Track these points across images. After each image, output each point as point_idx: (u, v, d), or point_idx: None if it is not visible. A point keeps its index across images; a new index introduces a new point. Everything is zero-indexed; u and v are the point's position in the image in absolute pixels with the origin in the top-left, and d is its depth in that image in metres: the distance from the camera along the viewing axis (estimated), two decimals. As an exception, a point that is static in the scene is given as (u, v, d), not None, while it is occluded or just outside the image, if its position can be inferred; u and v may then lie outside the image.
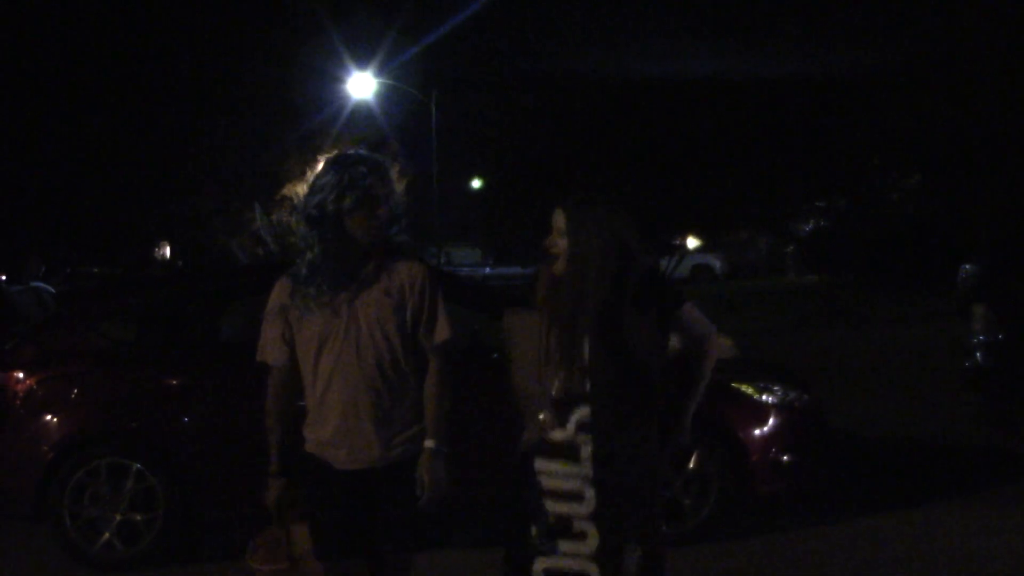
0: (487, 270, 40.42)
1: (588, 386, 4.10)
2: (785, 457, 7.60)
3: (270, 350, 4.42)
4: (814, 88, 25.01)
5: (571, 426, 4.12)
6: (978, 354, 10.21)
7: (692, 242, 38.27)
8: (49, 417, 7.37)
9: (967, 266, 10.74)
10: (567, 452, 4.12)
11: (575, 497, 4.12)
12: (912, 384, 13.85)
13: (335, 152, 4.51)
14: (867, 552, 7.11)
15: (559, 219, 4.26)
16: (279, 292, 4.39)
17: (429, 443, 4.29)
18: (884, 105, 24.60)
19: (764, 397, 7.74)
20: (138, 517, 7.26)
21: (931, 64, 22.76)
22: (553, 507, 4.16)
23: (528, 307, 4.29)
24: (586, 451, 4.09)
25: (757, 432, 7.59)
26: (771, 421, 7.65)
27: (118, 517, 7.25)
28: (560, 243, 4.23)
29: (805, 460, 7.70)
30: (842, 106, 25.31)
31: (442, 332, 4.37)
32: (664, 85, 24.92)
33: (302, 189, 4.70)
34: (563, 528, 4.15)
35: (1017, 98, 21.01)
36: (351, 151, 4.49)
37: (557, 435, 4.15)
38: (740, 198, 26.90)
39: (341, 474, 4.33)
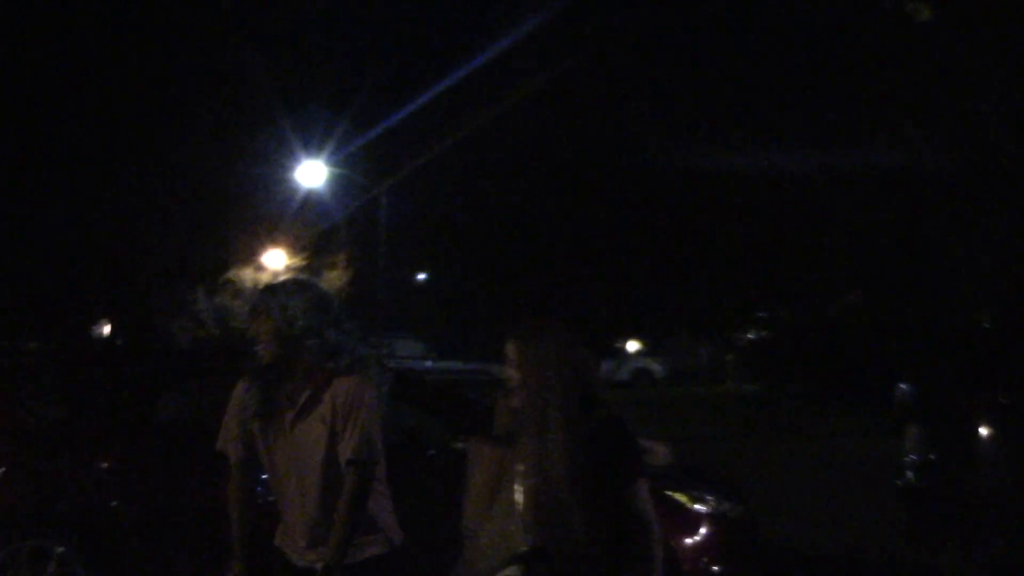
0: (429, 363, 40.23)
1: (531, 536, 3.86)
2: (716, 567, 7.62)
3: (230, 445, 4.58)
4: (761, 198, 25.38)
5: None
6: (909, 473, 10.28)
7: (633, 345, 38.47)
8: (-28, 495, 7.22)
9: (903, 385, 10.83)
10: None
11: None
12: (845, 499, 13.90)
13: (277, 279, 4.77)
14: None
15: (510, 350, 4.05)
16: (240, 390, 4.55)
17: (320, 565, 4.32)
18: (828, 219, 25.01)
19: (697, 506, 7.77)
20: (59, 603, 7.11)
21: (875, 183, 23.18)
22: None
23: (488, 437, 4.11)
24: None
25: (689, 541, 7.59)
26: (703, 530, 7.66)
27: (38, 602, 7.11)
28: (514, 376, 4.02)
29: (736, 571, 7.72)
30: (787, 218, 25.68)
31: (356, 450, 4.37)
32: (611, 184, 25.18)
33: (248, 274, 4.87)
34: None
35: (957, 222, 21.42)
36: (283, 279, 4.73)
37: None
38: (683, 303, 27.14)
39: (296, 570, 4.47)
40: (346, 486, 4.35)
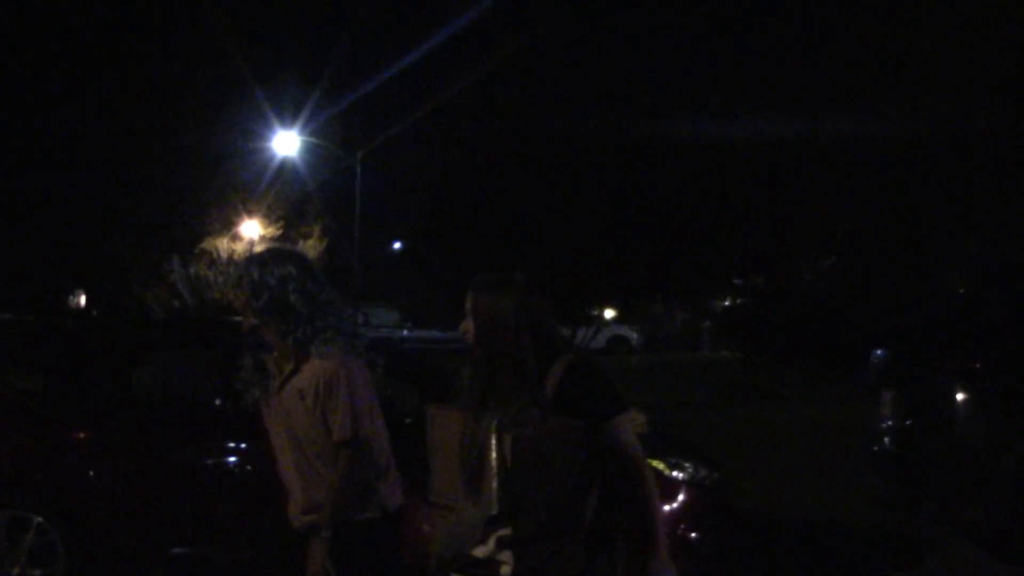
0: (405, 332, 40.23)
1: (505, 498, 3.65)
2: (693, 534, 7.63)
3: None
4: (738, 165, 25.38)
5: (492, 542, 3.66)
6: (885, 439, 10.33)
7: (609, 313, 38.50)
8: (-51, 467, 7.21)
9: (878, 352, 10.85)
10: (486, 570, 3.66)
11: None
12: (820, 465, 13.96)
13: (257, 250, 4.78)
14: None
15: (468, 301, 3.86)
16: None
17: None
18: (802, 185, 25.04)
19: (675, 473, 7.77)
20: (37, 572, 7.11)
21: (849, 148, 23.20)
22: None
23: (450, 403, 3.84)
24: (506, 570, 3.63)
25: (666, 508, 7.54)
26: (681, 498, 7.66)
27: (15, 572, 7.10)
28: (470, 328, 3.83)
29: (712, 539, 7.73)
30: (761, 185, 25.69)
31: (342, 431, 4.41)
32: (587, 148, 25.12)
33: (222, 243, 4.84)
34: None
35: (931, 188, 21.47)
36: (262, 250, 4.71)
37: (478, 551, 3.69)
38: (659, 271, 27.08)
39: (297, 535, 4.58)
40: (338, 464, 4.42)
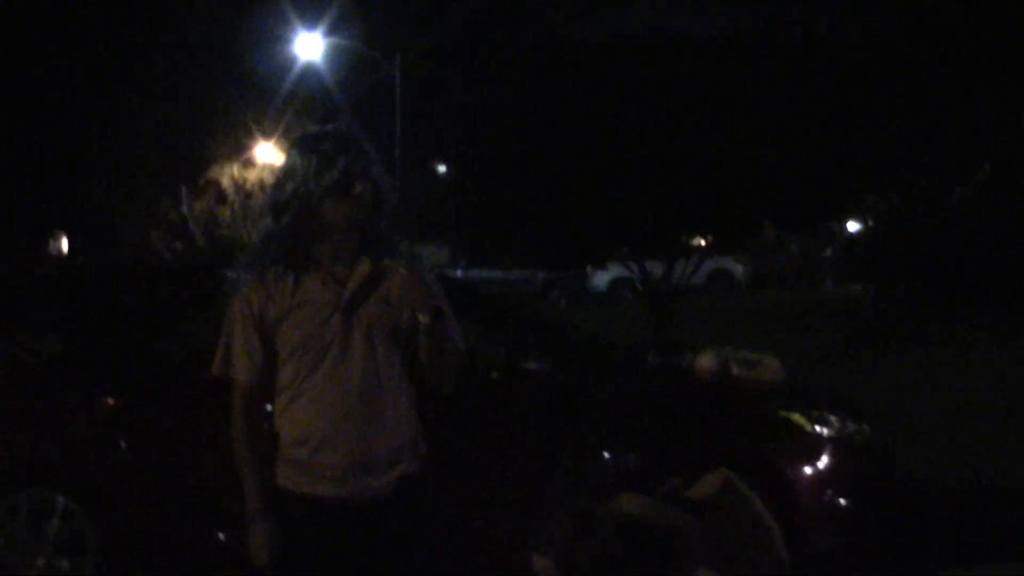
0: (460, 272, 40.44)
1: None
2: (842, 500, 7.71)
3: (237, 362, 4.54)
4: (862, 56, 25.12)
5: None
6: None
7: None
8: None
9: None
10: None
11: None
12: (991, 421, 13.92)
13: (300, 133, 4.68)
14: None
15: None
16: (250, 291, 4.50)
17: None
18: (949, 80, 24.76)
19: (819, 428, 7.84)
20: (65, 563, 7.36)
21: (1004, 33, 22.95)
22: None
23: None
24: None
25: (808, 470, 7.68)
26: (826, 458, 7.73)
27: (40, 563, 7.35)
28: None
29: (868, 508, 7.81)
30: (898, 80, 25.45)
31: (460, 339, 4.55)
32: (668, 50, 24.95)
33: (233, 171, 4.86)
34: None
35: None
36: (316, 129, 4.64)
37: None
38: (768, 190, 26.93)
39: (329, 508, 4.44)
40: None
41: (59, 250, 27.83)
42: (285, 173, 4.49)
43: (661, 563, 4.13)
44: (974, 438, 12.95)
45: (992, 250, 25.68)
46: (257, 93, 32.95)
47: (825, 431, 7.85)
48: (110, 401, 7.67)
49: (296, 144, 4.54)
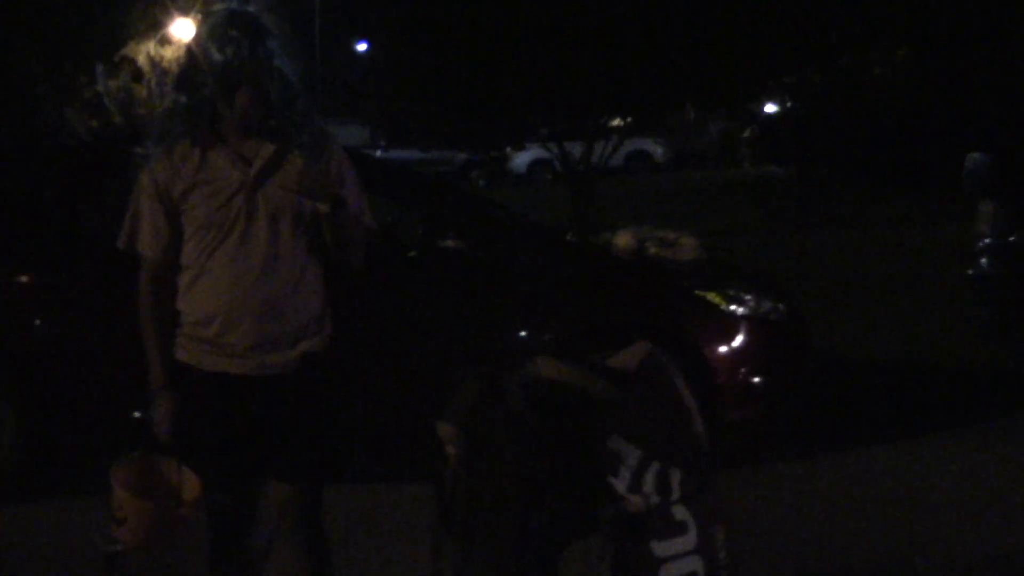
0: (379, 153, 40.17)
1: None
2: (757, 379, 7.81)
3: (143, 237, 4.45)
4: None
5: None
6: (984, 259, 10.40)
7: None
8: None
9: (974, 155, 10.84)
10: None
11: None
12: (905, 296, 14.06)
13: (208, 12, 4.60)
14: (854, 489, 7.29)
15: None
16: (156, 165, 4.40)
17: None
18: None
19: (734, 307, 7.89)
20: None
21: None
22: None
23: None
24: None
25: (724, 348, 7.75)
26: (741, 336, 7.81)
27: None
28: None
29: (782, 382, 7.92)
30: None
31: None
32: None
33: (149, 48, 4.76)
34: None
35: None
36: (224, 8, 4.45)
37: None
38: (687, 70, 26.77)
39: (232, 383, 4.42)
40: None
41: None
42: (192, 53, 4.36)
43: (575, 430, 4.09)
44: (890, 314, 13.09)
45: (911, 129, 25.79)
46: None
47: (740, 309, 7.91)
48: (25, 280, 7.54)
49: (204, 25, 4.41)
